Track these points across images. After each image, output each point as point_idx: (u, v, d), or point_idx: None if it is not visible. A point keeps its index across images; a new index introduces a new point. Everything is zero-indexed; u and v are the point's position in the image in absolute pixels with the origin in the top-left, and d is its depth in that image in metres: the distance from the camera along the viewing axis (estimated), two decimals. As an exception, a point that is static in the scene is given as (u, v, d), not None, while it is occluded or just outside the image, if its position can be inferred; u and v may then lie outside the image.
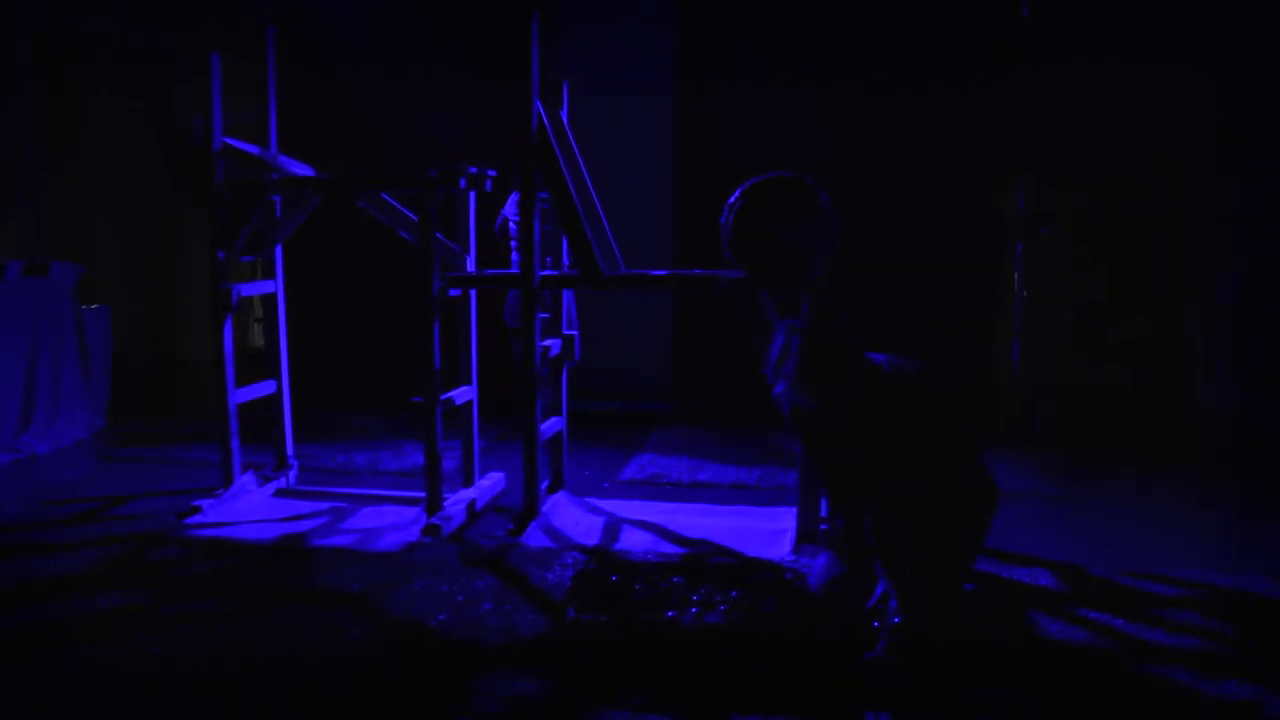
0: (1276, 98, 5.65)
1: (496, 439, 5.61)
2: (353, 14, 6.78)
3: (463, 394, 4.32)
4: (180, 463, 5.19)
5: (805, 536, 3.81)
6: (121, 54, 7.35)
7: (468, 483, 4.43)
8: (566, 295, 4.55)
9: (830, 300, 3.49)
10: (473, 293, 4.37)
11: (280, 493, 4.60)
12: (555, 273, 4.24)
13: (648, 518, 4.19)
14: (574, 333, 4.46)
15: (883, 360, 2.93)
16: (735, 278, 3.74)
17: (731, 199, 3.55)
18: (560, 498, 4.47)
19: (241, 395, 4.45)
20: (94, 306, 5.97)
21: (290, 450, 4.75)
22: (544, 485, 4.36)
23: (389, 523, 4.13)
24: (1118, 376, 6.56)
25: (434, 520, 3.94)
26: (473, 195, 4.33)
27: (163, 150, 7.55)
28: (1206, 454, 5.40)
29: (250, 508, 4.33)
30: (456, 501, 4.18)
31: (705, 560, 3.57)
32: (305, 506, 4.37)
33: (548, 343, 4.20)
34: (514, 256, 5.25)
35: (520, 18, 3.85)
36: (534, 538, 3.89)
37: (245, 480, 4.50)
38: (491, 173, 4.21)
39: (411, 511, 4.24)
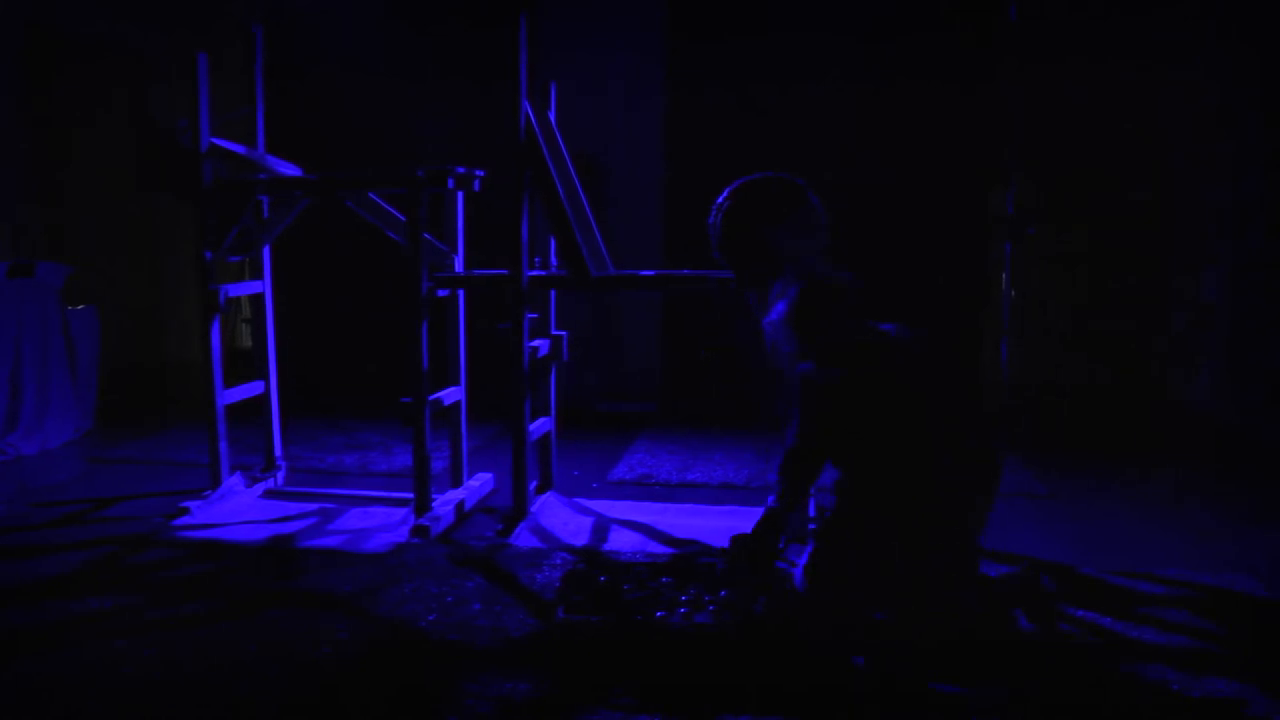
0: (1263, 98, 5.69)
1: (486, 440, 5.61)
2: (344, 13, 6.76)
3: (451, 394, 4.32)
4: (168, 464, 5.17)
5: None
6: (109, 52, 7.32)
7: (456, 483, 4.43)
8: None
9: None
10: (461, 293, 4.36)
11: (269, 494, 4.58)
12: (544, 273, 4.24)
13: (636, 518, 4.19)
14: (563, 333, 4.46)
15: (889, 328, 2.98)
16: (724, 278, 3.74)
17: (720, 199, 3.57)
18: (549, 498, 4.47)
19: (229, 396, 4.43)
20: (81, 307, 5.94)
21: (279, 451, 4.74)
22: (533, 485, 4.35)
23: (378, 524, 4.12)
24: (1106, 375, 6.60)
25: (423, 521, 3.94)
26: (460, 195, 4.33)
27: (151, 149, 7.52)
28: (1195, 453, 5.43)
29: (238, 509, 4.31)
30: (445, 502, 4.18)
31: (694, 560, 3.58)
32: (294, 508, 4.36)
33: (536, 343, 4.20)
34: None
35: (509, 18, 3.85)
36: (523, 538, 3.89)
37: (233, 481, 4.48)
38: (480, 173, 4.21)
39: (400, 512, 4.23)
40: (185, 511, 4.17)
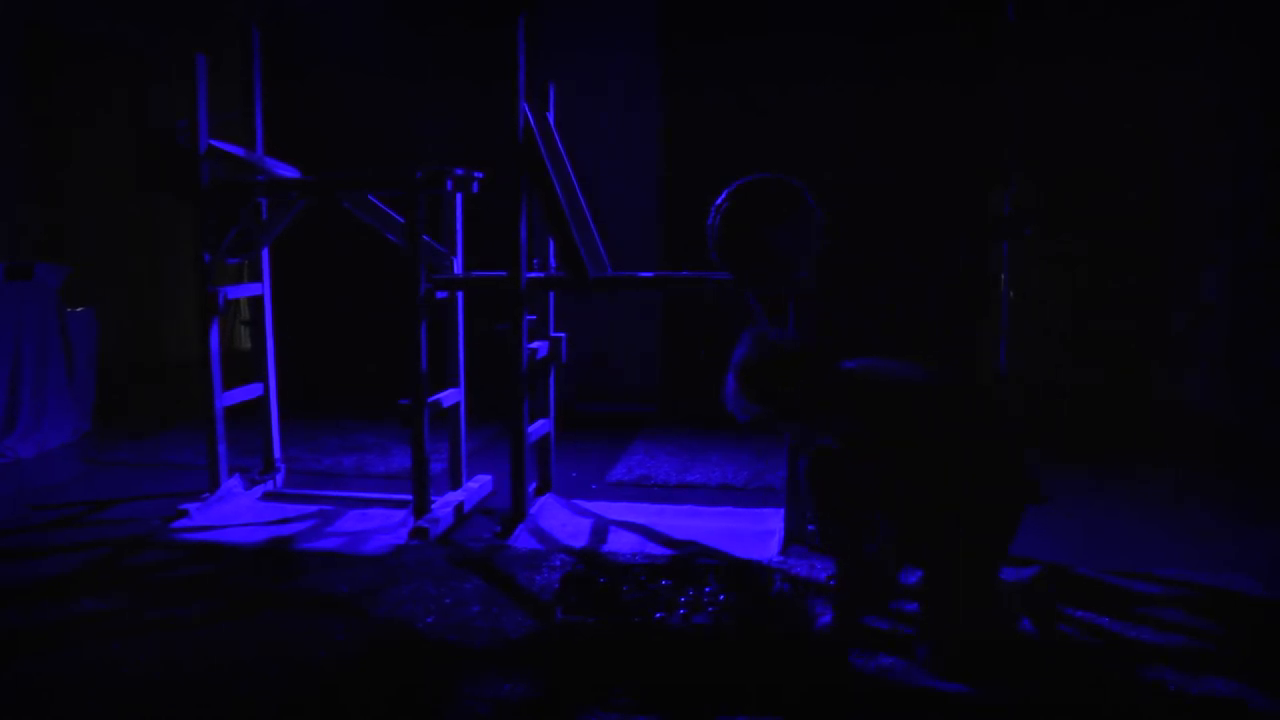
0: (1263, 98, 5.68)
1: (485, 441, 5.61)
2: (344, 13, 6.76)
3: (450, 396, 4.31)
4: (166, 466, 5.17)
5: (793, 538, 3.82)
6: (109, 52, 7.32)
7: (455, 485, 4.42)
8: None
9: (814, 304, 3.47)
10: (459, 294, 4.36)
11: (267, 496, 4.58)
12: (542, 275, 4.24)
13: (635, 519, 4.19)
14: (561, 335, 4.45)
15: (855, 366, 2.85)
16: (722, 279, 3.74)
17: (718, 200, 3.57)
18: (548, 500, 4.47)
19: (228, 398, 4.43)
20: (79, 309, 5.94)
21: (278, 453, 4.74)
22: (532, 487, 4.35)
23: (376, 525, 4.12)
24: (1105, 375, 6.59)
25: (421, 523, 3.93)
26: (459, 197, 4.33)
27: (150, 149, 7.53)
28: (1195, 453, 5.43)
29: (237, 511, 4.31)
30: (444, 504, 4.17)
31: (693, 562, 3.57)
32: (292, 510, 4.36)
33: (535, 345, 4.19)
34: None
35: (508, 18, 3.85)
36: (522, 540, 3.89)
37: (232, 484, 4.48)
38: (478, 175, 4.20)
39: (399, 514, 4.23)
40: (184, 514, 4.16)
